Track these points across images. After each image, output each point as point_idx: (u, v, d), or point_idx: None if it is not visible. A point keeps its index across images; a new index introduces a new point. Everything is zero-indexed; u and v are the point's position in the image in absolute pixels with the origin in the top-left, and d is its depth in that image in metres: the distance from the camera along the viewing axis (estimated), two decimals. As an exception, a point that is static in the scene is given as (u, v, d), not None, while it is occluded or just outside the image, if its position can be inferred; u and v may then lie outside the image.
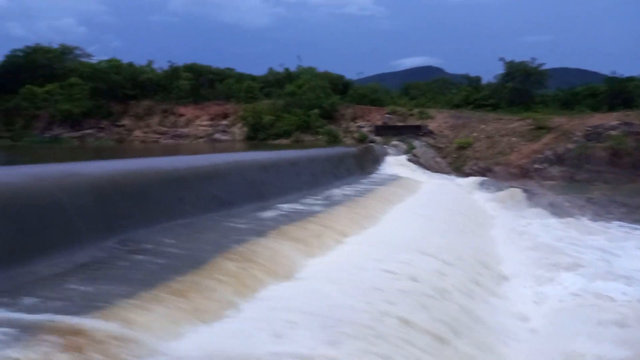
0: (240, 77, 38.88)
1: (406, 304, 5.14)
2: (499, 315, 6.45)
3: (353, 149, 19.58)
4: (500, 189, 18.77)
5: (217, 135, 33.65)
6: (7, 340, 3.00)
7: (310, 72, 37.04)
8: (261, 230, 6.68)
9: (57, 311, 3.49)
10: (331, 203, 9.93)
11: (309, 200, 9.86)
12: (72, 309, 3.59)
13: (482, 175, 22.04)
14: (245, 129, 33.08)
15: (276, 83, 37.36)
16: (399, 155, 24.06)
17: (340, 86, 36.64)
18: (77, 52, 39.55)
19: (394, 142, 26.07)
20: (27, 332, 3.12)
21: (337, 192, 11.71)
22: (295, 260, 6.05)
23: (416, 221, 10.22)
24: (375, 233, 8.50)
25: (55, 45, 38.65)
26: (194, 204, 7.29)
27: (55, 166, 6.95)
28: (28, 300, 3.73)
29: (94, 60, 38.85)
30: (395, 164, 21.63)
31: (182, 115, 35.24)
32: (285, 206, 8.82)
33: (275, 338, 3.94)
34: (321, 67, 39.08)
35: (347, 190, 12.39)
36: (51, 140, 32.16)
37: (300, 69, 38.22)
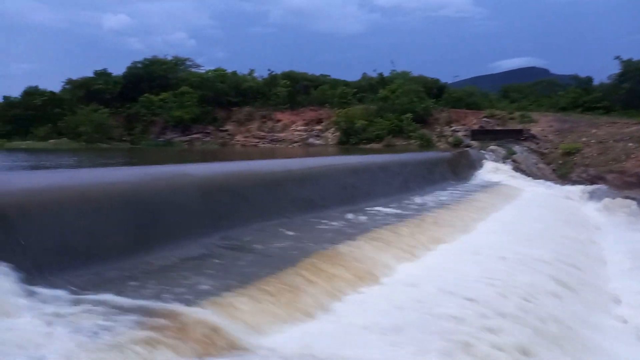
0: (335, 83, 39.61)
1: (501, 319, 4.91)
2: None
3: (447, 154, 19.01)
4: (614, 199, 17.04)
5: (311, 140, 34.58)
6: (125, 323, 3.38)
7: (404, 76, 36.64)
8: (351, 233, 6.80)
9: (167, 300, 3.88)
10: (423, 209, 9.77)
11: (400, 205, 9.81)
12: (181, 298, 3.97)
13: (592, 183, 20.16)
14: (337, 133, 33.59)
15: (369, 88, 37.48)
16: (497, 160, 22.86)
17: (434, 90, 35.76)
18: (188, 63, 43.07)
19: (492, 147, 24.81)
20: (141, 316, 3.50)
21: (429, 197, 11.48)
22: (385, 264, 6.06)
23: (515, 231, 9.68)
24: (470, 241, 8.21)
25: (169, 57, 42.44)
26: (288, 205, 7.62)
27: (168, 167, 7.68)
28: (142, 288, 4.17)
29: (202, 70, 42.03)
30: (492, 170, 20.58)
31: (279, 120, 36.76)
32: (376, 210, 8.86)
33: (363, 342, 4.00)
34: (415, 72, 38.48)
35: (439, 196, 12.09)
36: (164, 143, 35.36)
37: (393, 74, 37.97)
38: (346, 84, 39.76)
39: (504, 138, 25.94)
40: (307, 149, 30.92)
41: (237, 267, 5.00)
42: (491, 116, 29.97)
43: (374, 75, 39.61)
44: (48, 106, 37.84)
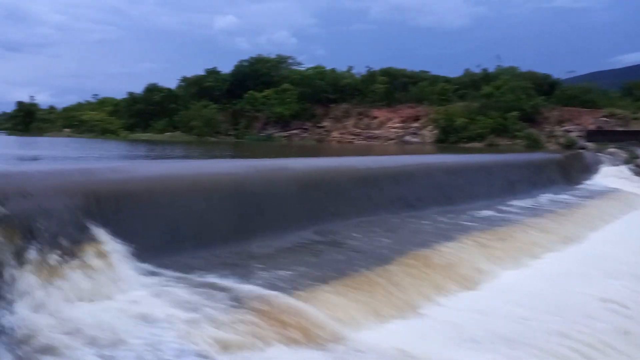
0: (434, 80, 38.49)
1: (612, 340, 4.45)
2: None
3: (557, 156, 17.56)
4: None
5: (407, 138, 33.99)
6: (223, 306, 3.61)
7: (511, 72, 34.50)
8: (447, 234, 6.58)
9: (264, 286, 4.07)
10: (528, 213, 9.15)
11: (502, 208, 9.27)
12: (277, 286, 4.15)
13: None
14: (435, 131, 32.65)
15: (472, 84, 35.86)
16: (617, 164, 20.61)
17: (545, 86, 33.22)
18: (290, 61, 44.63)
19: (611, 150, 22.43)
20: (239, 301, 3.72)
21: (534, 202, 10.71)
22: (483, 270, 5.80)
23: (635, 243, 8.68)
24: (581, 252, 7.53)
25: (273, 56, 44.30)
26: (382, 203, 7.59)
27: (268, 161, 8.05)
28: (243, 274, 4.42)
29: (302, 67, 43.30)
30: (611, 175, 18.58)
31: (375, 117, 36.65)
32: (475, 212, 8.47)
33: (453, 347, 3.87)
34: (524, 67, 36.04)
35: (547, 200, 11.22)
36: (265, 138, 37.06)
37: (499, 69, 35.93)
38: (447, 80, 38.45)
39: (625, 140, 23.34)
40: (403, 147, 30.47)
41: (331, 261, 5.09)
42: (611, 115, 27.14)
43: (477, 71, 37.86)
44: (165, 102, 41.57)
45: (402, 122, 35.36)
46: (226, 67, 44.56)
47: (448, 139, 30.99)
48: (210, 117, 38.51)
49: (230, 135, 38.50)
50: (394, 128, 35.34)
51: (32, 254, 3.44)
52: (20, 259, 3.39)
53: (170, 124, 40.06)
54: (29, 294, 3.26)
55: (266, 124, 38.95)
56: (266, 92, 38.95)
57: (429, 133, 33.18)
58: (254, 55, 44.37)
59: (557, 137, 28.32)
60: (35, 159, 10.28)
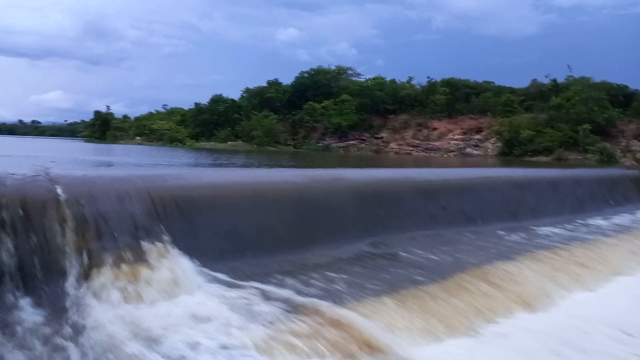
0: (499, 90, 37.16)
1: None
2: None
3: (635, 172, 16.32)
4: None
5: (468, 150, 33.00)
6: (278, 314, 3.66)
7: (583, 82, 32.63)
8: (510, 252, 6.31)
9: (319, 296, 4.09)
10: (599, 233, 8.57)
11: (570, 226, 8.75)
12: (332, 296, 4.15)
13: None
14: (499, 144, 31.46)
15: (539, 95, 34.27)
16: None
17: (621, 98, 31.07)
18: (349, 72, 44.84)
19: (698, 167, 20.55)
20: (295, 309, 3.76)
21: (606, 221, 10.00)
22: (547, 291, 5.49)
23: None
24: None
25: (332, 67, 44.75)
26: (441, 216, 7.40)
27: (326, 171, 8.10)
28: (299, 283, 4.47)
29: (362, 78, 43.37)
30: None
31: (435, 129, 35.92)
32: (541, 229, 8.05)
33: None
34: (597, 77, 33.91)
35: (622, 220, 10.45)
36: (323, 148, 37.39)
37: (569, 80, 34.11)
38: (512, 91, 36.99)
39: None
40: (464, 159, 29.58)
41: (386, 273, 5.03)
42: (698, 129, 24.89)
43: (546, 81, 36.09)
44: (229, 112, 43.11)
45: (464, 133, 34.39)
46: (287, 79, 45.52)
47: (512, 152, 29.74)
48: (270, 127, 39.44)
49: (289, 145, 39.21)
50: (454, 140, 34.44)
51: (101, 254, 3.67)
52: (90, 258, 3.62)
53: (233, 134, 41.44)
54: (98, 292, 3.47)
55: (324, 135, 39.29)
56: (325, 102, 39.35)
57: (492, 145, 32.02)
58: (314, 66, 45.05)
59: (634, 151, 26.39)
60: (109, 164, 11.00)
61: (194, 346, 3.13)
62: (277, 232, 5.31)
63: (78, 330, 3.12)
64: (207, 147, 37.41)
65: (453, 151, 33.59)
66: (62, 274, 3.52)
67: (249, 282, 4.22)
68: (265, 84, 45.42)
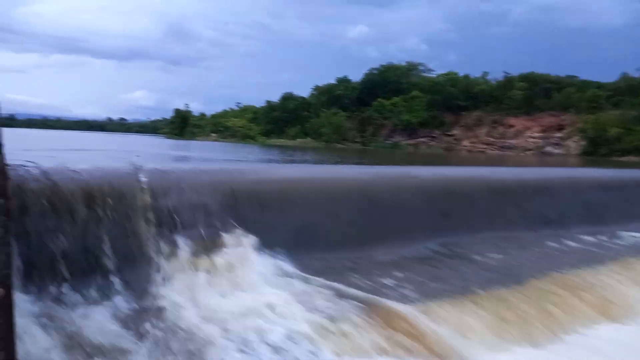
0: (583, 85, 34.69)
1: None
2: None
3: None
4: None
5: (548, 148, 31.13)
6: (345, 310, 3.67)
7: (683, 74, 29.55)
8: (594, 257, 5.88)
9: (387, 295, 4.05)
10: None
11: (666, 233, 7.96)
12: (399, 296, 4.10)
13: None
14: (582, 142, 29.40)
15: (629, 91, 31.56)
16: None
17: None
18: (421, 67, 43.99)
19: None
20: (362, 307, 3.74)
21: None
22: (635, 300, 5.05)
23: None
24: None
25: (403, 63, 44.10)
26: (517, 218, 7.03)
27: (394, 168, 8.00)
28: (364, 280, 4.45)
29: (433, 74, 42.36)
30: None
31: (511, 126, 34.26)
32: (631, 235, 7.41)
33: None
34: (702, 68, 30.54)
35: None
36: (391, 146, 37.00)
37: (667, 72, 31.03)
38: (599, 85, 34.38)
39: None
40: (543, 158, 27.94)
41: (456, 275, 4.87)
42: None
43: (637, 74, 33.11)
44: (299, 109, 43.97)
45: (543, 131, 32.49)
46: (356, 76, 45.52)
47: (597, 151, 27.65)
48: (338, 124, 39.69)
49: (356, 142, 39.23)
50: (532, 138, 32.64)
51: (178, 244, 3.89)
52: (168, 248, 3.85)
53: (302, 131, 42.20)
54: (174, 278, 3.69)
55: (393, 132, 38.87)
56: (394, 99, 38.91)
57: (574, 144, 29.97)
58: (382, 63, 44.68)
59: None
60: (187, 159, 11.62)
61: (261, 334, 3.23)
62: (345, 228, 5.32)
63: (154, 313, 3.33)
64: (277, 144, 38.37)
65: (531, 149, 31.84)
66: (143, 260, 3.78)
67: (317, 276, 4.27)
68: (334, 82, 45.74)
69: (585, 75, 38.62)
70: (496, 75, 39.26)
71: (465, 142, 35.54)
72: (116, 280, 3.54)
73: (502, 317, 4.13)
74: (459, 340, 3.67)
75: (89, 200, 3.65)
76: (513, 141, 33.37)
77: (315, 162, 12.88)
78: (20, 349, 2.27)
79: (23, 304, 3.04)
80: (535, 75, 36.94)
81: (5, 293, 1.66)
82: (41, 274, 3.32)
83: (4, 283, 1.69)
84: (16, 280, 3.16)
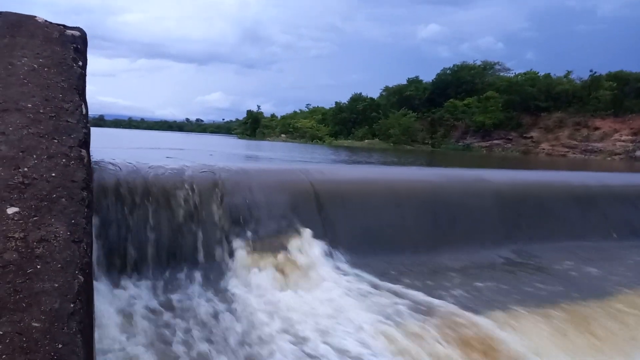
0: (683, 83, 31.45)
1: None
2: None
3: None
4: None
5: (638, 153, 28.56)
6: (409, 316, 3.60)
7: None
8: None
9: (453, 302, 3.92)
10: None
11: None
12: (467, 303, 3.94)
13: None
14: (682, 146, 26.63)
15: None
16: None
17: None
18: (497, 67, 42.13)
19: None
20: (426, 313, 3.65)
21: None
22: None
23: None
24: None
25: (477, 62, 42.48)
26: (601, 227, 6.52)
27: (465, 171, 7.71)
28: (432, 286, 4.33)
29: (511, 74, 40.39)
30: None
31: (597, 128, 31.84)
32: None
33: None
34: None
35: None
36: (463, 148, 35.76)
37: None
38: (701, 83, 30.98)
39: None
40: (633, 164, 25.68)
41: (530, 285, 4.61)
42: None
43: None
44: (367, 110, 43.78)
45: (633, 134, 29.85)
46: (427, 76, 44.57)
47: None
48: (408, 125, 39.03)
49: (426, 143, 38.34)
50: (621, 141, 30.09)
51: (244, 241, 4.01)
52: (234, 245, 3.99)
53: (370, 132, 41.99)
54: (240, 277, 3.81)
55: (465, 133, 37.54)
56: (468, 100, 37.58)
57: (671, 148, 27.23)
58: (455, 62, 43.33)
59: None
60: (257, 158, 11.97)
61: (323, 333, 3.25)
62: (410, 231, 5.22)
63: (223, 306, 3.46)
64: (345, 144, 38.46)
65: (619, 154, 29.39)
66: (214, 255, 3.95)
67: (381, 280, 4.23)
68: (404, 82, 45.05)
69: (682, 73, 34.90)
70: (581, 74, 36.65)
71: (545, 145, 33.48)
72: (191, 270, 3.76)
73: (579, 333, 3.85)
74: (531, 354, 3.46)
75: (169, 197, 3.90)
76: (599, 144, 30.96)
77: (383, 164, 12.76)
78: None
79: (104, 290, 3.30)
80: (625, 74, 33.95)
81: (85, 280, 1.80)
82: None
83: (85, 271, 1.83)
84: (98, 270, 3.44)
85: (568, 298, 4.31)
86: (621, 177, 10.15)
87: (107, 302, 3.23)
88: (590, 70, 35.83)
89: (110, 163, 3.96)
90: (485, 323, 3.60)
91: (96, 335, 2.32)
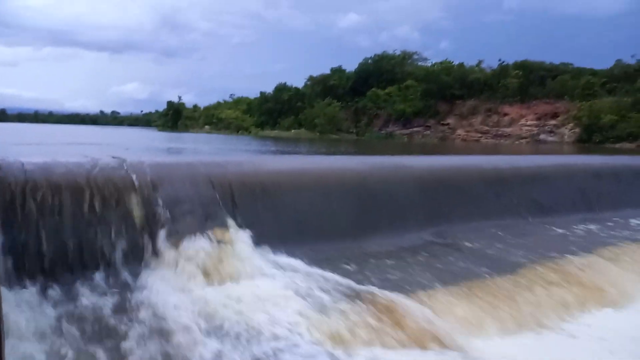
0: (578, 73, 34.69)
1: None
2: None
3: None
4: None
5: (542, 136, 31.20)
6: (335, 299, 3.67)
7: (677, 61, 29.62)
8: (586, 244, 5.89)
9: (379, 285, 4.04)
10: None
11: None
12: (392, 285, 4.09)
13: None
14: (577, 130, 29.49)
15: (624, 77, 31.60)
16: None
17: None
18: (415, 57, 43.80)
19: None
20: (355, 297, 3.74)
21: None
22: (629, 287, 5.06)
23: None
24: None
25: (397, 52, 43.89)
26: (511, 206, 7.04)
27: (387, 158, 7.95)
28: (357, 272, 4.43)
29: (428, 63, 42.17)
30: None
31: (506, 114, 34.29)
32: (623, 222, 7.44)
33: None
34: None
35: None
36: (386, 136, 36.94)
37: (661, 58, 31.08)
38: (593, 73, 34.37)
39: None
40: (538, 146, 28.00)
41: (450, 264, 4.87)
42: None
43: (632, 61, 33.15)
44: (293, 100, 43.71)
45: (537, 119, 32.54)
46: (351, 65, 45.37)
47: (592, 138, 27.75)
48: (333, 114, 39.56)
49: (351, 132, 39.12)
50: (527, 126, 32.68)
51: (167, 235, 3.85)
52: (157, 239, 3.82)
53: (296, 122, 42.03)
54: (162, 272, 3.66)
55: (387, 122, 38.80)
56: (389, 89, 38.79)
57: (569, 132, 30.05)
58: (375, 52, 44.60)
59: None
60: (178, 151, 11.54)
61: (254, 327, 3.21)
62: (338, 219, 5.29)
63: (140, 306, 3.29)
64: (271, 135, 38.22)
65: (525, 138, 31.91)
66: (132, 254, 3.74)
67: (310, 267, 4.25)
68: (328, 72, 45.51)
69: (580, 62, 38.77)
70: (491, 63, 39.13)
71: (460, 131, 35.53)
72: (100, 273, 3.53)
73: (494, 305, 4.14)
74: (449, 327, 3.67)
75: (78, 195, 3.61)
76: (508, 129, 33.40)
77: (308, 153, 12.83)
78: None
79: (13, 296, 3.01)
80: (530, 63, 36.81)
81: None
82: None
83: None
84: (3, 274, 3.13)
85: (482, 273, 4.60)
86: (528, 159, 11.01)
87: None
88: (499, 60, 38.44)
89: (16, 161, 3.61)
90: (410, 303, 3.75)
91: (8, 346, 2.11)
